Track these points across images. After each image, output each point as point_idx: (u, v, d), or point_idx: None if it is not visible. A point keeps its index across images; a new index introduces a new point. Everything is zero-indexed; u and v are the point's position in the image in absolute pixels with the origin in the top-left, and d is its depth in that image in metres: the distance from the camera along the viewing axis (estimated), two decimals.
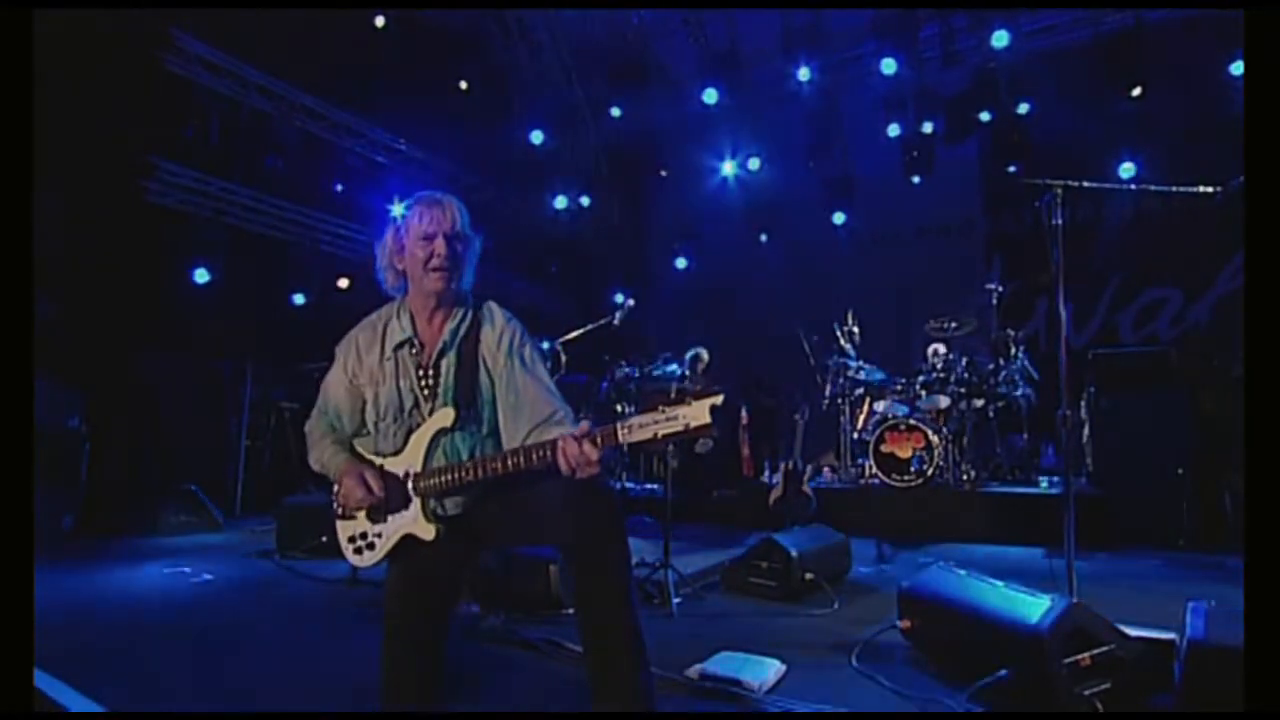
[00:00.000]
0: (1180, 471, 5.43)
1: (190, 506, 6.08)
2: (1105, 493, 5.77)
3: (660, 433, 1.44)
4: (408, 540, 1.78)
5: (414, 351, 1.86)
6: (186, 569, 4.39)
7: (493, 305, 1.95)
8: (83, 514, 5.37)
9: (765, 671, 2.35)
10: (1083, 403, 6.80)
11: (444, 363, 1.85)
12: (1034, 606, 2.15)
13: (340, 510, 1.87)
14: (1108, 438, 6.08)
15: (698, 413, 1.42)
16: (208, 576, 4.23)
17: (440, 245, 1.81)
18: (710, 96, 7.83)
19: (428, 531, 1.74)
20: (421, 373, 1.85)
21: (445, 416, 1.79)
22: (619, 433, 1.49)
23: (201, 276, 6.60)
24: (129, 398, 5.97)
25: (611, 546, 1.67)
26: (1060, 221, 2.66)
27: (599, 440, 1.54)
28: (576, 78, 8.92)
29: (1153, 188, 2.84)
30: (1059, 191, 2.68)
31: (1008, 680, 2.05)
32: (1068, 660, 2.01)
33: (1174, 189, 2.85)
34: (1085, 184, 2.73)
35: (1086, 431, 6.76)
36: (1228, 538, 5.01)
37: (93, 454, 5.52)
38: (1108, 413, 6.13)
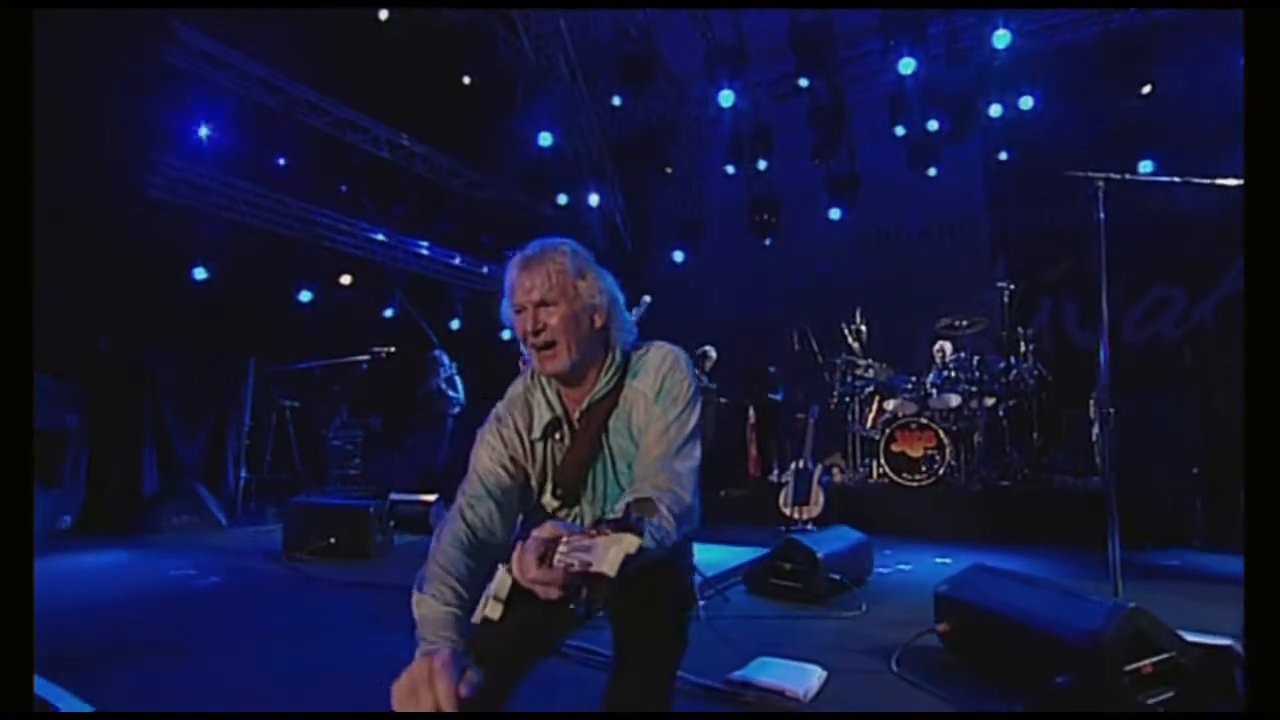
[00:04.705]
0: (1195, 471, 5.40)
1: (191, 506, 5.97)
2: (1118, 492, 5.72)
3: (565, 564, 1.07)
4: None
5: (559, 438, 1.57)
6: (192, 571, 4.29)
7: (651, 349, 1.59)
8: (82, 513, 5.25)
9: (809, 679, 2.28)
10: (1091, 402, 6.79)
11: None
12: (1089, 611, 2.09)
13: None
14: (1119, 437, 6.04)
15: (603, 553, 1.02)
16: (215, 579, 4.12)
17: (529, 321, 1.49)
18: (726, 99, 7.74)
19: (495, 610, 1.44)
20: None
21: (548, 488, 1.56)
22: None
23: (202, 273, 6.48)
24: (128, 396, 5.84)
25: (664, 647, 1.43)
26: (1104, 215, 2.60)
27: (546, 552, 1.11)
28: (580, 73, 8.83)
29: (1194, 180, 2.77)
30: (1100, 184, 2.62)
31: (1066, 689, 1.98)
32: (1129, 668, 1.94)
33: (1213, 181, 2.78)
34: (1126, 176, 2.67)
35: (1096, 430, 6.74)
36: (1241, 537, 4.97)
37: (92, 453, 5.40)
38: (1120, 412, 6.09)
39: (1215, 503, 5.28)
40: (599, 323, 1.53)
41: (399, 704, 1.15)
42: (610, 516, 1.09)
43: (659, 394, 1.50)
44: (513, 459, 1.53)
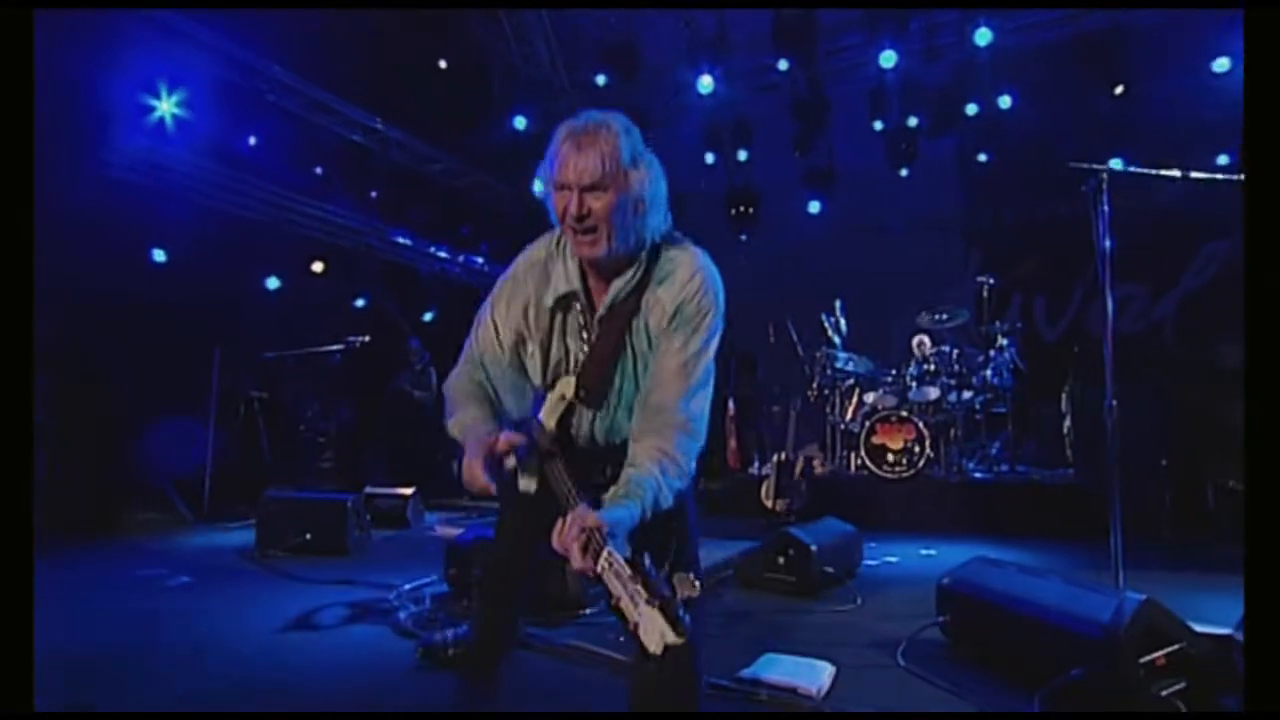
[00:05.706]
0: (1164, 463, 5.53)
1: (156, 503, 5.73)
2: (1088, 484, 5.85)
3: (613, 590, 1.10)
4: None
5: (580, 309, 1.51)
6: (161, 571, 4.09)
7: (682, 256, 1.52)
8: (42, 513, 4.97)
9: (820, 675, 2.25)
10: (1064, 395, 6.93)
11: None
12: (1100, 603, 2.09)
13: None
14: (1090, 430, 6.17)
15: (650, 628, 1.03)
16: (185, 579, 3.94)
17: (573, 204, 1.38)
18: (705, 86, 7.70)
19: (530, 485, 1.49)
20: (585, 333, 1.52)
21: (566, 384, 1.50)
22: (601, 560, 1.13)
23: (161, 255, 6.17)
24: (88, 388, 5.56)
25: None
26: (1108, 208, 2.60)
27: (589, 542, 1.14)
28: (560, 60, 8.67)
29: (1194, 174, 2.79)
30: (1104, 177, 2.62)
31: (1080, 681, 1.98)
32: (1143, 660, 1.95)
33: (1218, 176, 2.81)
34: (1130, 169, 2.68)
35: (1068, 423, 6.88)
36: (1210, 529, 5.12)
37: (50, 448, 5.11)
38: (1090, 404, 6.22)
39: (1183, 494, 5.43)
40: (642, 211, 1.45)
41: (472, 486, 1.33)
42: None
43: (677, 316, 1.45)
44: (517, 331, 1.54)
